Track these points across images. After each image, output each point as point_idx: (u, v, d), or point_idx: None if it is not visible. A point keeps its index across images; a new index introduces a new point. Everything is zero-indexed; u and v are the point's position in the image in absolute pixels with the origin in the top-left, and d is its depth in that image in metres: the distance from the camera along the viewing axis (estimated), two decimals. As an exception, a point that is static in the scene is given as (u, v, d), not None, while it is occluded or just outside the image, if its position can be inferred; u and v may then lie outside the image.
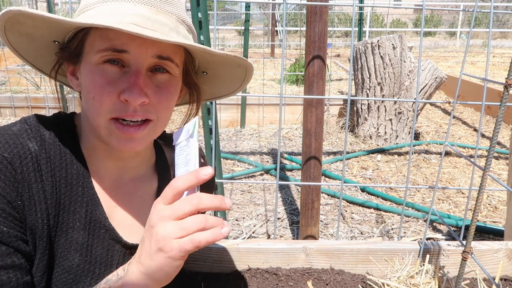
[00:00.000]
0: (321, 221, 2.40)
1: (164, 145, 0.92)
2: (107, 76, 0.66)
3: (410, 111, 3.75)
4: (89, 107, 0.69)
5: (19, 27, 0.67)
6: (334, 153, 3.58)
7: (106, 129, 0.69)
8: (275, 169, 3.06)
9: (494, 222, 2.39)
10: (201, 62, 0.79)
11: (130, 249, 0.78)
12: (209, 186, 0.93)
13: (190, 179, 0.60)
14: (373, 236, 2.25)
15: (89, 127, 0.74)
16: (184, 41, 0.65)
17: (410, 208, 2.55)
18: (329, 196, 2.74)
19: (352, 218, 2.45)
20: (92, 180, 0.74)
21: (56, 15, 0.62)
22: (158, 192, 0.84)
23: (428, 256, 1.73)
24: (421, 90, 3.72)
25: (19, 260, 0.64)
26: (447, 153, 3.55)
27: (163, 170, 0.85)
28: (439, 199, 2.70)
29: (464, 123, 4.58)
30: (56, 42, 0.72)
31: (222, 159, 3.28)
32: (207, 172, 0.60)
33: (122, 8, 0.66)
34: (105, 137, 0.70)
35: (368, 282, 1.69)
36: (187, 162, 0.64)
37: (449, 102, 1.53)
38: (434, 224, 2.37)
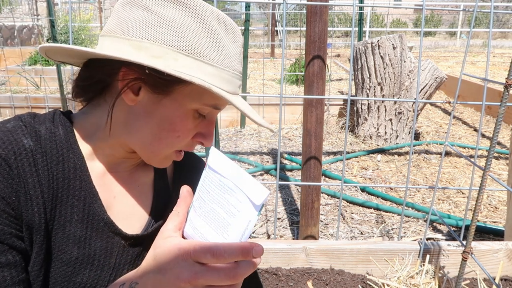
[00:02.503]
0: (321, 221, 2.40)
1: None
2: (194, 122, 0.73)
3: (410, 111, 3.75)
4: (165, 139, 0.73)
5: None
6: (334, 153, 3.58)
7: (166, 156, 0.76)
8: (275, 169, 3.06)
9: (494, 222, 2.39)
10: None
11: (130, 240, 0.79)
12: None
13: (235, 254, 0.56)
14: (373, 236, 2.25)
15: (108, 133, 0.74)
16: (265, 124, 0.76)
17: (410, 208, 2.54)
18: (329, 196, 2.74)
19: (352, 218, 2.45)
20: (90, 173, 0.74)
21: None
22: (155, 181, 0.85)
23: (428, 256, 1.73)
24: (421, 90, 3.72)
25: (14, 258, 0.64)
26: (447, 153, 3.55)
27: None
28: (439, 199, 2.70)
29: (464, 123, 4.58)
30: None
31: (222, 159, 3.28)
32: (259, 253, 0.56)
33: (233, 78, 0.73)
34: (155, 160, 0.76)
35: (368, 282, 1.69)
36: (230, 212, 0.58)
37: (449, 102, 1.53)
38: (434, 224, 2.37)
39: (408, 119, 3.75)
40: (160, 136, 0.72)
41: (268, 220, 2.38)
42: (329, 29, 5.86)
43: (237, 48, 0.74)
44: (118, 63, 0.68)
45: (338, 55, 10.97)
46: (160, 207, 0.83)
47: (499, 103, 1.08)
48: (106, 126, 0.74)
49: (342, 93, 5.88)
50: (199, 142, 0.76)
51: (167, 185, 0.86)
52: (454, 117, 4.81)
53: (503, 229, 2.02)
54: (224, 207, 0.59)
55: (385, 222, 2.39)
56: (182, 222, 0.65)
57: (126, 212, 0.80)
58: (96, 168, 0.76)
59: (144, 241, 0.80)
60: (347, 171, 3.15)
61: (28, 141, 0.68)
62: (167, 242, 0.61)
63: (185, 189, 0.68)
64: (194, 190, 0.93)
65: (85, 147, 0.75)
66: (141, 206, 0.82)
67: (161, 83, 0.68)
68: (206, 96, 0.70)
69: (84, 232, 0.73)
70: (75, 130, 0.75)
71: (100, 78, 0.72)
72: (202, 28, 0.69)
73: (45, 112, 0.75)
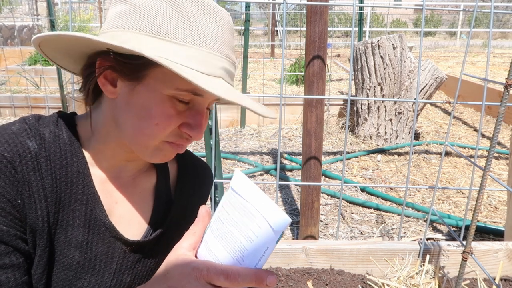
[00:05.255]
0: (321, 221, 2.40)
1: None
2: (176, 109, 0.70)
3: (410, 111, 3.75)
4: (146, 129, 0.70)
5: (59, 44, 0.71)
6: (334, 153, 3.58)
7: (156, 148, 0.72)
8: (275, 169, 3.06)
9: (494, 222, 2.39)
10: None
11: (130, 246, 0.79)
12: (202, 198, 0.93)
13: (249, 280, 0.55)
14: (373, 236, 2.25)
15: (104, 133, 0.74)
16: (241, 102, 0.70)
17: (410, 208, 2.54)
18: (329, 196, 2.74)
19: (352, 218, 2.45)
20: (93, 178, 0.74)
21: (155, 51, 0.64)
22: (157, 187, 0.85)
23: (428, 256, 1.73)
24: (421, 90, 3.72)
25: (17, 260, 0.65)
26: (447, 153, 3.55)
27: (161, 164, 0.85)
28: (439, 199, 2.70)
29: (464, 123, 4.58)
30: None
31: (222, 159, 3.28)
32: (272, 282, 0.56)
33: (210, 58, 0.68)
34: (146, 153, 0.73)
35: (368, 282, 1.69)
36: (247, 237, 0.57)
37: (449, 102, 1.53)
38: (434, 224, 2.37)
39: (408, 119, 3.76)
40: (140, 126, 0.70)
41: (268, 220, 2.38)
42: (329, 29, 5.86)
43: (217, 28, 0.70)
44: (96, 55, 0.69)
45: (338, 55, 10.97)
46: (161, 214, 0.83)
47: (499, 103, 1.08)
48: (101, 127, 0.74)
49: (342, 93, 5.88)
50: (187, 134, 0.72)
51: (169, 192, 0.86)
52: (454, 117, 4.81)
53: (503, 229, 2.02)
54: (243, 231, 0.58)
55: (385, 222, 2.39)
56: (197, 242, 0.65)
57: (127, 218, 0.80)
58: (98, 173, 0.76)
59: (144, 247, 0.80)
60: (347, 171, 3.15)
61: (32, 144, 0.68)
62: (180, 260, 0.60)
63: (204, 209, 0.67)
64: (199, 198, 0.91)
65: (88, 151, 0.75)
66: (142, 212, 0.82)
67: (130, 67, 0.67)
68: (179, 80, 0.67)
69: (86, 236, 0.73)
70: (78, 134, 0.76)
71: (86, 74, 0.73)
72: (172, 9, 0.67)
73: (49, 114, 0.75)
